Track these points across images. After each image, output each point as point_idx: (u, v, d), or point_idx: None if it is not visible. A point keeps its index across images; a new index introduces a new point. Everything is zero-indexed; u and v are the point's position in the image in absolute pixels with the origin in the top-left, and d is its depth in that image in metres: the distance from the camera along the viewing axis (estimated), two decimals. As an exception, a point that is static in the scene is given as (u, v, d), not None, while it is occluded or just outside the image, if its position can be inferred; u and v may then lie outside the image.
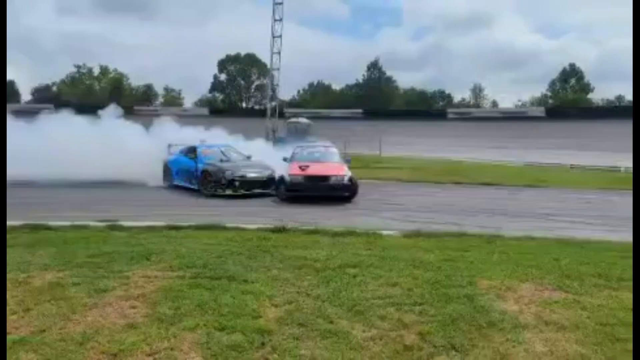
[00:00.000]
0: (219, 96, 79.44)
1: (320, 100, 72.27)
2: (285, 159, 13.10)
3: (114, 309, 3.96)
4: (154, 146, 15.48)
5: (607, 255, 6.05)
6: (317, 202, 11.23)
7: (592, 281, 4.79)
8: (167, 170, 14.87)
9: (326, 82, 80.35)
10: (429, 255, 5.68)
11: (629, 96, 65.34)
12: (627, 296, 4.34)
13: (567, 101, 62.00)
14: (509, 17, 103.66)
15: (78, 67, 76.77)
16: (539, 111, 55.59)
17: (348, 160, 13.71)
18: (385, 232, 7.19)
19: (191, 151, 14.33)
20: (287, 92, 76.61)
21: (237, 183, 12.63)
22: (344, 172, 12.13)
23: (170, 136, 16.21)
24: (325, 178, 11.96)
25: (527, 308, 4.06)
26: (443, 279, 4.73)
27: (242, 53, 76.22)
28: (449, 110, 62.98)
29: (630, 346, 3.36)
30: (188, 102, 79.81)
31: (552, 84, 66.52)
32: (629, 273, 5.12)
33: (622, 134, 39.71)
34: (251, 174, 13.00)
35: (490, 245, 6.39)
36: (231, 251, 5.77)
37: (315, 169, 12.18)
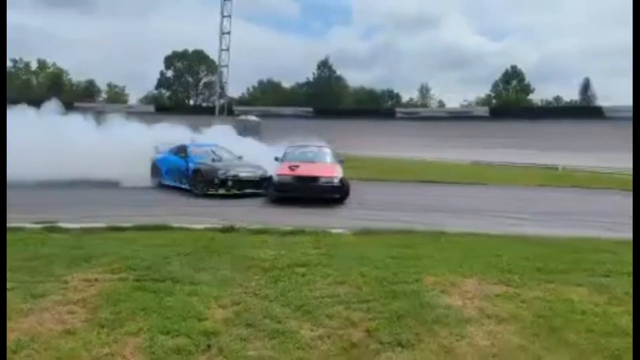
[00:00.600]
0: (166, 93, 77.48)
1: (270, 98, 71.83)
2: (277, 159, 12.77)
3: (52, 315, 3.78)
4: (112, 143, 14.64)
5: (545, 250, 6.33)
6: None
7: (531, 275, 4.99)
8: (156, 169, 14.48)
9: (276, 80, 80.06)
10: (377, 252, 5.75)
11: (566, 97, 68.79)
12: (562, 288, 4.57)
13: (509, 101, 64.38)
14: (456, 19, 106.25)
15: (14, 61, 72.96)
16: (483, 111, 57.41)
17: (341, 160, 13.24)
18: (334, 231, 7.23)
19: (181, 150, 14.02)
20: (236, 89, 75.80)
21: (229, 183, 12.43)
22: (334, 173, 11.72)
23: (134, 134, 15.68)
24: (314, 179, 11.51)
25: (471, 302, 4.18)
26: (390, 276, 4.79)
27: (190, 49, 74.67)
28: (398, 109, 64.04)
29: (565, 335, 3.53)
30: (133, 98, 77.40)
31: (496, 84, 68.86)
32: (563, 266, 5.40)
33: (560, 133, 41.88)
34: (244, 174, 12.81)
35: (436, 242, 6.55)
36: (177, 252, 5.63)
37: (305, 169, 11.74)
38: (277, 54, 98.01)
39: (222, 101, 35.02)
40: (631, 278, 4.96)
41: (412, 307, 3.98)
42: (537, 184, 17.48)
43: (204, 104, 70.75)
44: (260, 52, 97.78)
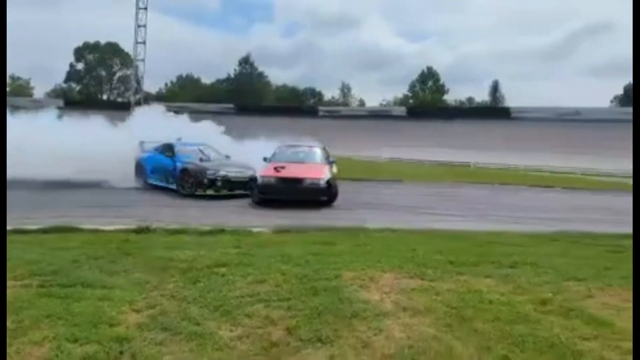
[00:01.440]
0: (76, 87, 73.21)
1: (189, 94, 69.94)
2: (265, 159, 12.24)
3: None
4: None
5: (458, 243, 6.66)
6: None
7: (444, 268, 5.22)
8: (140, 168, 14.00)
9: (196, 76, 78.12)
10: (298, 250, 5.77)
11: (478, 98, 72.76)
12: (472, 280, 4.82)
13: (426, 102, 67.13)
14: (375, 20, 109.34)
15: None
16: (401, 111, 59.44)
17: (332, 161, 12.79)
18: (255, 229, 7.17)
19: (168, 149, 13.55)
20: (153, 84, 72.95)
21: (219, 183, 12.11)
22: (321, 175, 11.18)
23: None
24: (299, 180, 10.99)
25: (388, 296, 4.29)
26: (311, 273, 4.82)
27: (103, 41, 70.99)
28: (320, 107, 64.76)
29: (475, 325, 3.72)
30: (39, 92, 72.35)
31: (413, 85, 71.55)
32: (474, 259, 5.70)
33: (472, 132, 44.29)
34: (233, 174, 12.48)
35: (356, 238, 6.68)
36: (87, 255, 5.32)
37: (290, 171, 11.22)
38: (196, 49, 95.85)
39: (137, 96, 33.60)
40: (534, 268, 5.36)
41: (332, 303, 4.02)
42: (452, 180, 18.34)
43: (119, 99, 67.61)
44: (179, 46, 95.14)
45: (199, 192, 12.06)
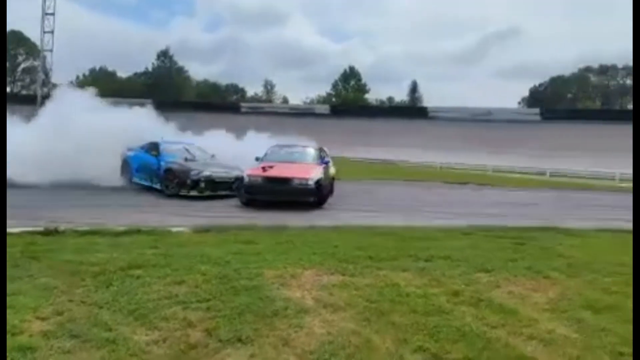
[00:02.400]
0: (-28, 78, 67.38)
1: (103, 88, 66.29)
2: (257, 159, 11.82)
3: None
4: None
5: (378, 239, 6.83)
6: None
7: (364, 263, 5.33)
8: (126, 166, 13.56)
9: (110, 69, 74.39)
10: (218, 250, 5.65)
11: (397, 97, 75.12)
12: (391, 274, 4.97)
13: (348, 100, 68.32)
14: (299, 19, 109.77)
15: None
16: (324, 109, 60.07)
17: (326, 162, 12.38)
18: (174, 229, 6.95)
19: (153, 148, 13.12)
20: (63, 76, 68.46)
21: (202, 184, 11.82)
22: (310, 175, 10.72)
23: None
24: (286, 180, 10.57)
25: (309, 293, 4.32)
26: (231, 272, 4.74)
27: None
28: (243, 104, 63.96)
29: (392, 318, 3.83)
30: None
31: (335, 84, 72.59)
32: (393, 253, 5.87)
33: (392, 131, 45.69)
34: (218, 175, 12.17)
35: (278, 236, 6.65)
36: (-14, 260, 4.90)
37: (278, 170, 10.81)
38: (112, 41, 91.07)
39: (45, 89, 31.33)
40: (448, 261, 5.61)
41: (253, 302, 3.99)
42: (374, 177, 18.80)
43: (24, 92, 62.99)
44: (91, 37, 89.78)
45: (183, 192, 11.79)
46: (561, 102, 64.06)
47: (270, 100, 74.55)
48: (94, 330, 3.40)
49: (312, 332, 3.54)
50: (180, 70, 73.93)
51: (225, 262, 5.10)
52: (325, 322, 3.72)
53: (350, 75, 71.82)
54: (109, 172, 13.08)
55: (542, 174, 29.10)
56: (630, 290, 4.82)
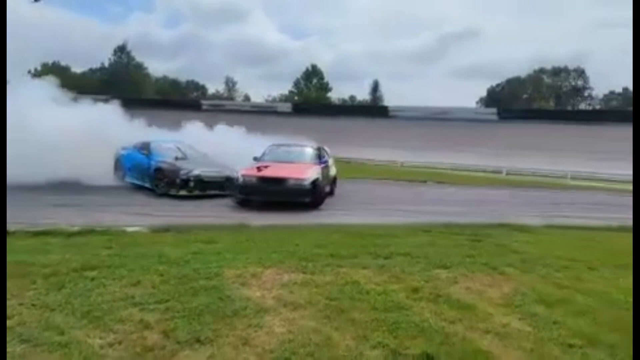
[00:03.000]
0: None
1: (56, 83, 64.11)
2: (255, 158, 11.56)
3: None
4: None
5: (339, 237, 6.86)
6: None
7: (324, 261, 5.34)
8: (119, 165, 13.41)
9: (64, 64, 71.85)
10: (177, 249, 5.56)
11: (359, 96, 75.64)
12: (351, 271, 4.99)
13: (311, 99, 68.33)
14: (259, 16, 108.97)
15: None
16: (286, 107, 59.81)
17: (324, 162, 12.06)
18: (130, 229, 6.78)
19: (145, 147, 12.98)
20: (10, 71, 65.58)
21: (191, 183, 11.72)
22: (305, 176, 10.43)
23: None
24: (280, 181, 10.31)
25: (269, 292, 4.29)
26: (190, 272, 4.67)
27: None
28: (203, 101, 63.00)
29: (352, 315, 3.85)
30: None
31: (297, 82, 72.43)
32: (353, 251, 5.91)
33: (354, 129, 45.92)
34: (207, 174, 12.04)
35: (239, 235, 6.59)
36: None
37: (272, 170, 10.55)
38: (66, 35, 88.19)
39: (-4, 84, 30.10)
40: (408, 258, 5.68)
41: (212, 302, 3.93)
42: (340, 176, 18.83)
43: (-27, 87, 60.07)
44: (44, 31, 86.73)
45: (172, 192, 11.66)
46: (517, 102, 65.95)
47: (231, 98, 73.72)
48: (46, 334, 3.28)
49: (272, 331, 3.52)
50: (139, 67, 72.20)
51: (184, 262, 5.01)
52: (285, 320, 3.70)
53: (313, 74, 71.81)
54: (79, 171, 12.45)
55: (499, 172, 29.89)
56: (580, 284, 5.04)
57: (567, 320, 3.96)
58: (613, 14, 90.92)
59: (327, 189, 12.21)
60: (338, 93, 75.74)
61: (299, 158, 11.78)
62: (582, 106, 64.40)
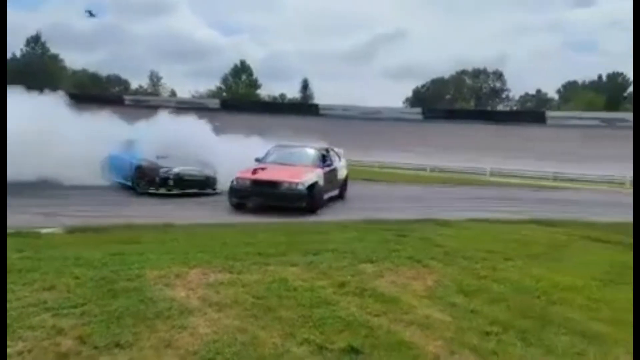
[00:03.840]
0: None
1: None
2: (257, 160, 11.07)
3: None
4: None
5: (267, 235, 6.83)
6: None
7: (252, 259, 5.28)
8: (107, 165, 13.14)
9: (-32, 53, 66.42)
10: (96, 251, 5.27)
11: (289, 94, 75.59)
12: (279, 269, 4.98)
13: (239, 95, 67.46)
14: (186, 10, 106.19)
15: None
16: (214, 103, 58.74)
17: (328, 164, 11.41)
18: (44, 231, 6.37)
19: (129, 145, 12.83)
20: None
21: (171, 182, 11.75)
22: (300, 179, 9.85)
23: None
24: (273, 184, 9.78)
25: (194, 293, 4.18)
26: (109, 274, 4.45)
27: None
28: (126, 96, 60.52)
29: (279, 313, 3.83)
30: None
31: (226, 78, 71.28)
32: (282, 248, 5.91)
33: (284, 126, 45.85)
34: (188, 173, 12.11)
35: (162, 235, 6.38)
36: None
37: (267, 173, 10.04)
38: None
39: None
40: (335, 254, 5.74)
41: (133, 305, 3.77)
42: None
43: None
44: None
45: (152, 190, 11.63)
46: (441, 102, 68.66)
47: (156, 93, 71.34)
48: (-57, 347, 3.00)
49: (197, 332, 3.43)
50: (54, 58, 68.09)
51: (103, 264, 4.76)
52: (210, 321, 3.62)
53: (241, 70, 70.95)
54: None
55: (423, 169, 30.98)
56: (496, 274, 5.32)
57: (484, 309, 4.16)
58: (529, 19, 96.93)
59: (335, 192, 11.90)
60: (268, 90, 75.34)
61: (300, 160, 11.20)
62: (500, 107, 68.08)
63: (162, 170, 11.92)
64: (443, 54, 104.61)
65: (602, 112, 45.90)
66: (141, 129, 13.84)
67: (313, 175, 10.28)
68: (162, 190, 11.71)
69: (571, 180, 26.46)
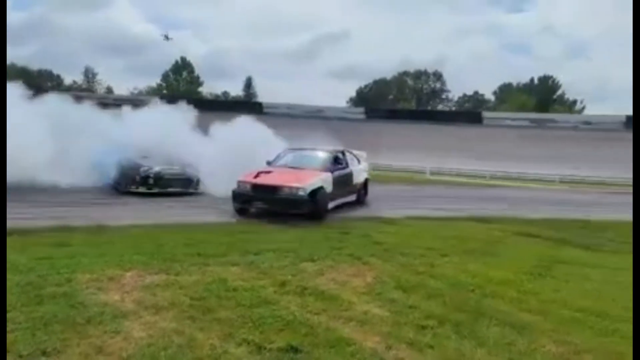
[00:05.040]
0: None
1: None
2: (268, 162, 10.53)
3: None
4: None
5: (208, 235, 6.72)
6: None
7: (191, 260, 5.18)
8: (97, 166, 12.54)
9: None
10: (21, 255, 4.97)
11: (233, 92, 74.53)
12: (219, 269, 4.92)
13: (180, 92, 65.85)
14: (125, 4, 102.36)
15: None
16: (154, 100, 57.13)
17: (340, 168, 10.69)
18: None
19: (115, 145, 12.44)
20: None
21: (151, 180, 11.70)
22: (303, 184, 9.11)
23: None
24: (274, 189, 9.12)
25: (129, 296, 4.05)
26: (36, 279, 4.22)
27: None
28: (59, 93, 57.75)
29: (218, 313, 3.78)
30: None
31: (166, 75, 69.34)
32: (222, 249, 5.84)
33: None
34: (169, 172, 12.09)
35: (95, 237, 6.13)
36: None
37: (270, 177, 9.41)
38: None
39: None
40: (277, 253, 5.72)
41: (61, 310, 3.60)
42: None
43: None
44: None
45: (132, 189, 11.60)
46: (383, 102, 69.86)
47: (91, 90, 68.43)
48: None
49: (131, 336, 3.32)
50: (-21, 51, 63.93)
51: (29, 269, 4.51)
52: (145, 324, 3.51)
53: (182, 67, 69.22)
54: None
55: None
56: (433, 270, 5.47)
57: (421, 304, 4.27)
58: (468, 22, 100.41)
59: (351, 197, 11.33)
60: (210, 88, 73.93)
61: (309, 163, 10.43)
62: (440, 107, 70.11)
63: (142, 168, 11.88)
64: (386, 54, 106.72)
65: (534, 114, 48.36)
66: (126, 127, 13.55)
67: (317, 180, 9.59)
68: (142, 189, 11.64)
69: (506, 178, 27.63)
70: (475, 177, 28.13)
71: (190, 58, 70.25)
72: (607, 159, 27.67)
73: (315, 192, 9.23)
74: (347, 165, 11.22)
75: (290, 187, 9.13)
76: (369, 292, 4.57)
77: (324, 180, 9.70)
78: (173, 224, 7.56)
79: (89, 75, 71.25)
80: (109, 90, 69.94)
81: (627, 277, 5.95)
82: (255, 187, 9.30)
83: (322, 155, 10.93)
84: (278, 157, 10.93)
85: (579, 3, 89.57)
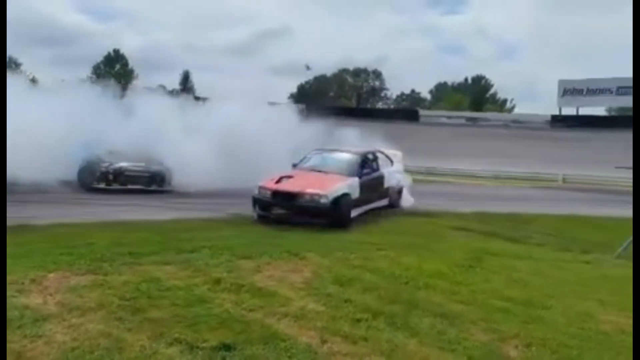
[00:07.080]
0: None
1: None
2: (294, 165, 9.95)
3: None
4: None
5: (142, 234, 6.50)
6: None
7: (122, 260, 4.98)
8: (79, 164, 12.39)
9: None
10: None
11: (169, 86, 72.30)
12: (151, 269, 4.77)
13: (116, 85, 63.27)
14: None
15: None
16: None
17: (368, 172, 9.90)
18: None
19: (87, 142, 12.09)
20: None
21: (110, 176, 11.72)
22: (325, 191, 8.35)
23: None
24: (293, 196, 8.35)
25: (52, 298, 3.85)
26: (-52, 283, 3.93)
27: None
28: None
29: (149, 313, 3.67)
30: None
31: (97, 67, 66.40)
32: (155, 247, 5.66)
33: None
34: (131, 168, 11.95)
35: (18, 236, 5.76)
36: None
37: (290, 183, 8.65)
38: None
39: None
40: (212, 251, 5.61)
41: (-24, 315, 3.36)
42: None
43: None
44: None
45: (94, 184, 11.60)
46: (324, 99, 70.27)
47: (16, 81, 64.42)
48: None
49: (54, 339, 3.15)
50: None
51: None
52: (70, 327, 3.35)
53: (115, 59, 66.51)
54: None
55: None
56: (369, 264, 5.55)
57: (357, 298, 4.32)
58: (406, 23, 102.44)
59: (382, 202, 10.54)
60: (145, 82, 71.40)
61: (334, 167, 9.68)
62: (380, 105, 71.40)
63: (103, 164, 11.82)
64: (327, 52, 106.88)
65: (468, 112, 50.21)
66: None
67: (343, 186, 8.86)
68: (102, 185, 11.67)
69: (442, 174, 28.52)
70: (413, 173, 28.79)
71: (124, 50, 67.54)
72: (533, 155, 29.18)
73: (339, 199, 8.57)
74: (377, 168, 10.56)
75: (311, 194, 8.44)
76: (307, 287, 4.58)
77: (350, 185, 9.04)
78: (110, 222, 7.26)
79: (12, 65, 67.01)
80: (33, 81, 66.15)
81: (551, 268, 6.37)
82: (275, 193, 8.63)
83: (350, 157, 10.17)
84: (304, 159, 10.27)
85: (510, 7, 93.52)
